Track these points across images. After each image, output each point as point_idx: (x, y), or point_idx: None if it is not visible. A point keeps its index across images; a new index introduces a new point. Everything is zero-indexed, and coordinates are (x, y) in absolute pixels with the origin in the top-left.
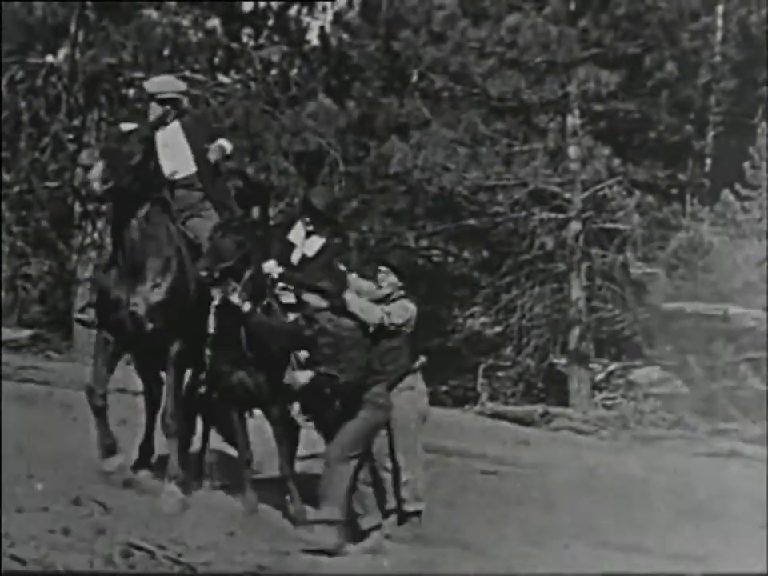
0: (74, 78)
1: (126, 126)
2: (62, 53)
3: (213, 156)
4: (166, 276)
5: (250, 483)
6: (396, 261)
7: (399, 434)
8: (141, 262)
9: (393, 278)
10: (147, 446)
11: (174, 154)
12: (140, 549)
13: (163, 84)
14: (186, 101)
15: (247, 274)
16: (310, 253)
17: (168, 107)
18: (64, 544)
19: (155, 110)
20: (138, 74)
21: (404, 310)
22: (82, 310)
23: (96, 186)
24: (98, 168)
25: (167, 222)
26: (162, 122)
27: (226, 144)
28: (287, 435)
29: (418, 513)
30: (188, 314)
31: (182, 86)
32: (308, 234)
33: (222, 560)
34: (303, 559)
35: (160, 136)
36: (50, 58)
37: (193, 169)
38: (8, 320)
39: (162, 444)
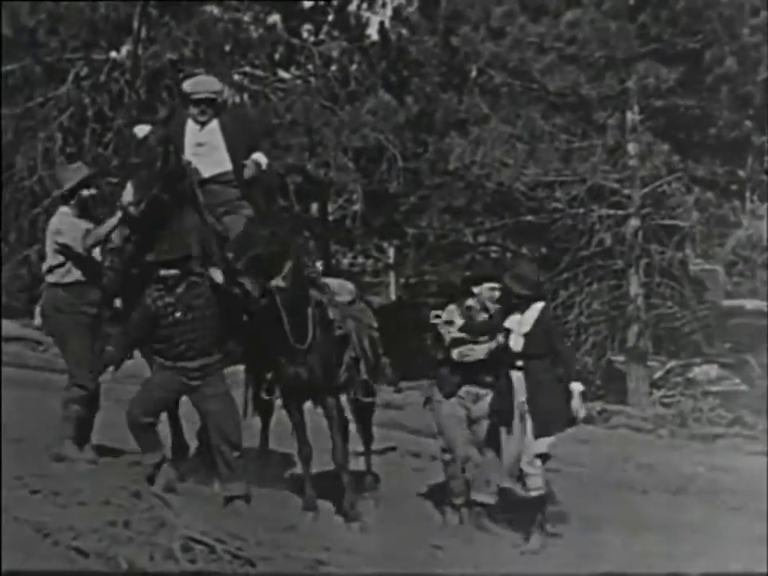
0: (136, 73)
1: (141, 130)
2: (125, 49)
3: (248, 172)
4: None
5: (310, 479)
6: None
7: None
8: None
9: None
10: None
11: (210, 152)
12: (200, 543)
13: (198, 84)
14: (233, 97)
15: (287, 266)
16: None
17: (204, 107)
18: (125, 537)
19: (192, 111)
20: (200, 70)
21: None
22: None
23: (132, 210)
24: (128, 191)
25: (194, 215)
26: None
27: (261, 158)
28: (344, 428)
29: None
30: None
31: (218, 86)
32: None
33: (281, 555)
34: (362, 555)
35: (195, 135)
36: (113, 54)
37: (229, 166)
38: None
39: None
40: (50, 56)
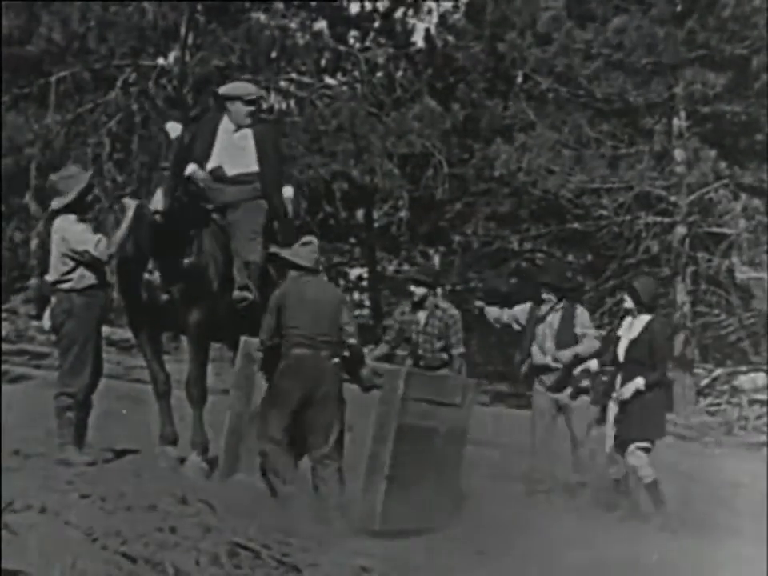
0: (183, 80)
1: (174, 129)
2: (173, 56)
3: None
4: (185, 252)
5: None
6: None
7: None
8: (162, 237)
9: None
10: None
11: (239, 152)
12: (246, 548)
13: (242, 87)
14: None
15: None
16: None
17: (251, 109)
18: (171, 542)
19: (241, 109)
20: (247, 76)
21: None
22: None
23: (158, 218)
24: (157, 199)
25: (194, 203)
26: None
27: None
28: None
29: None
30: (207, 287)
31: (258, 90)
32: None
33: (327, 561)
34: (411, 561)
35: (229, 135)
36: (161, 61)
37: (254, 168)
38: (120, 320)
39: None
40: (99, 62)
